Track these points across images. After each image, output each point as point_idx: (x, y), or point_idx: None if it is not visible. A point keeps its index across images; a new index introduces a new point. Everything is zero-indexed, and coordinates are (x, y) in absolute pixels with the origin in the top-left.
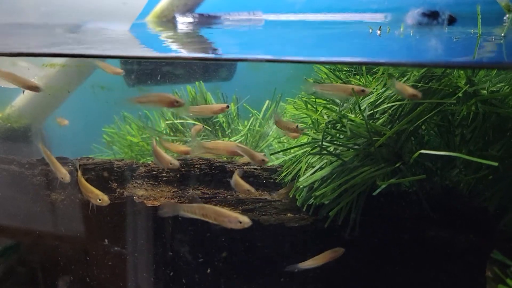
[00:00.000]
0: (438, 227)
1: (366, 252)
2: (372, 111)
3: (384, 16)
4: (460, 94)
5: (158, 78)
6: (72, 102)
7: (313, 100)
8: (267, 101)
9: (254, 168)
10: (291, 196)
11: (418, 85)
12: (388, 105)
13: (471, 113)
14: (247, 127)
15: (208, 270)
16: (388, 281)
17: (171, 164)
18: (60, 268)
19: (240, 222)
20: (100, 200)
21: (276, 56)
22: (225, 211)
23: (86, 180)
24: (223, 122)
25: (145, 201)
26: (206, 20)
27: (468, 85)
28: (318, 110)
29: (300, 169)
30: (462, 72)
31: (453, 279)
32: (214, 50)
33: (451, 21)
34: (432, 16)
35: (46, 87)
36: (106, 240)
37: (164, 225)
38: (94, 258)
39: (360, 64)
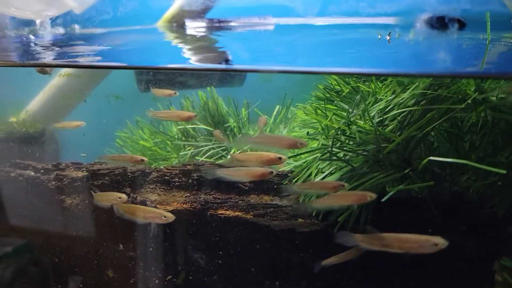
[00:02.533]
0: (447, 233)
1: (375, 257)
2: (381, 118)
3: (394, 20)
4: (469, 101)
5: (170, 84)
6: (84, 107)
7: (323, 106)
8: (278, 106)
9: None
10: (301, 201)
11: (427, 92)
12: (397, 111)
13: (480, 120)
14: (258, 131)
15: (218, 275)
16: (397, 287)
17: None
18: (74, 272)
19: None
20: (165, 217)
21: (286, 67)
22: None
23: (101, 185)
24: (234, 127)
25: (158, 206)
26: (216, 25)
27: (477, 92)
28: (328, 116)
29: (310, 174)
30: (471, 79)
31: (462, 284)
32: (225, 61)
33: (461, 26)
34: (439, 22)
35: (59, 94)
36: (120, 245)
37: (178, 229)
38: (108, 262)
39: (369, 75)
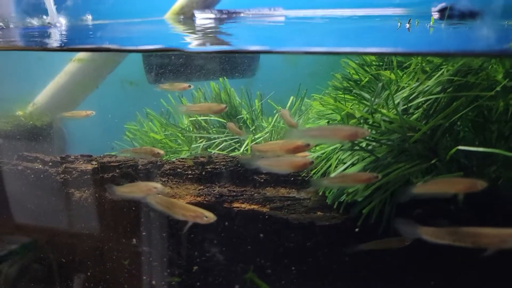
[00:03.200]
0: (475, 226)
1: (401, 252)
2: (405, 106)
3: (408, 11)
4: (498, 89)
5: (180, 75)
6: (93, 99)
7: (341, 95)
8: (292, 97)
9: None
10: (320, 194)
11: (454, 79)
12: (422, 99)
13: (509, 108)
14: (272, 123)
15: (235, 268)
16: (423, 283)
17: None
18: (87, 266)
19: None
20: (206, 217)
21: (303, 48)
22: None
23: (111, 178)
24: (247, 119)
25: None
26: (226, 17)
27: (507, 79)
28: (346, 106)
29: (329, 166)
30: (500, 66)
31: (492, 280)
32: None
33: (474, 16)
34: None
35: (71, 82)
36: (134, 240)
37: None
38: (120, 257)
39: (395, 54)
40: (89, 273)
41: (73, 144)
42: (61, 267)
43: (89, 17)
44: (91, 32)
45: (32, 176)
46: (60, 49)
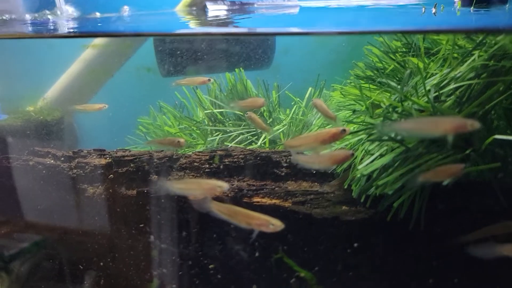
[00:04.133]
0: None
1: (432, 248)
2: (436, 93)
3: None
4: None
5: (194, 67)
6: (105, 92)
7: (365, 85)
8: (310, 88)
9: None
10: (345, 187)
11: (488, 64)
12: (454, 86)
13: None
14: (290, 116)
15: (255, 267)
16: (455, 280)
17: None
18: (101, 262)
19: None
20: (273, 225)
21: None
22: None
23: (125, 173)
24: (264, 111)
25: None
26: (238, 8)
27: None
28: (370, 96)
29: (355, 158)
30: None
31: None
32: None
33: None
34: None
35: (84, 72)
36: (147, 233)
37: (209, 218)
38: (135, 252)
39: (436, 32)
40: (101, 270)
41: (85, 139)
42: (72, 264)
43: (97, 14)
44: (100, 24)
45: (44, 171)
46: (72, 35)
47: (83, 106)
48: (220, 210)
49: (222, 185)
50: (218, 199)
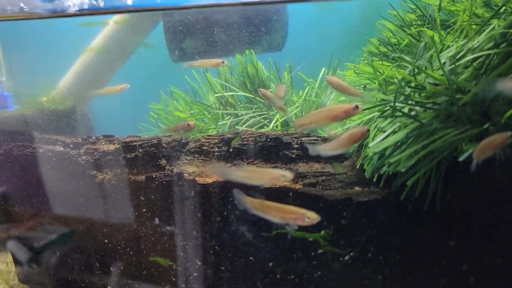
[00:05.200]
0: None
1: (449, 229)
2: (453, 66)
3: None
4: None
5: (204, 50)
6: (116, 80)
7: (378, 61)
8: (323, 69)
9: (315, 139)
10: (358, 167)
11: (508, 32)
12: (471, 56)
13: None
14: (303, 97)
15: (263, 250)
16: (474, 264)
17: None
18: (106, 248)
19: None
20: (309, 218)
21: None
22: None
23: (134, 158)
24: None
25: (196, 178)
26: None
27: None
28: (383, 72)
29: (367, 137)
30: None
31: None
32: None
33: None
34: None
35: (98, 58)
36: (156, 220)
37: (218, 202)
38: (143, 237)
39: None
40: (113, 253)
41: (99, 127)
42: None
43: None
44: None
45: (53, 158)
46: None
47: (104, 89)
48: (253, 205)
49: (286, 175)
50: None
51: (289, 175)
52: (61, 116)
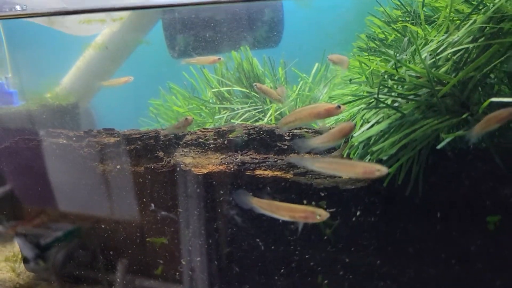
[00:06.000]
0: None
1: (430, 214)
2: (433, 59)
3: None
4: None
5: (203, 47)
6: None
7: (366, 56)
8: (316, 64)
9: (306, 131)
10: (344, 156)
11: (486, 26)
12: (452, 50)
13: None
14: (296, 91)
15: (259, 238)
16: (454, 249)
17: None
18: (106, 237)
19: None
20: (319, 216)
21: None
22: None
23: (133, 150)
24: (271, 87)
25: (192, 169)
26: None
27: None
28: (370, 65)
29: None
30: None
31: None
32: None
33: None
34: None
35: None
36: (152, 205)
37: (213, 192)
38: (143, 226)
39: None
40: (114, 244)
41: (101, 122)
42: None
43: None
44: None
45: (57, 151)
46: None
47: (109, 81)
48: (261, 206)
49: (381, 169)
50: (223, 172)
51: (384, 169)
52: (64, 111)
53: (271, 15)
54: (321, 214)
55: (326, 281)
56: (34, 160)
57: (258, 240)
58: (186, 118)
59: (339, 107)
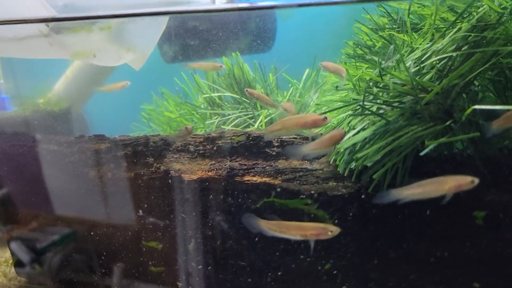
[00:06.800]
0: (496, 192)
1: (415, 219)
2: (418, 67)
3: None
4: None
5: (196, 52)
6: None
7: (355, 63)
8: (307, 70)
9: (294, 137)
10: (331, 162)
11: (469, 35)
12: (436, 58)
13: None
14: (287, 97)
15: (247, 242)
16: (438, 251)
17: None
18: (95, 243)
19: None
20: (331, 231)
21: None
22: None
23: (124, 156)
24: (262, 93)
25: (182, 175)
26: None
27: None
28: (357, 72)
29: None
30: None
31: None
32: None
33: None
34: None
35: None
36: (140, 211)
37: (203, 197)
38: (131, 232)
39: None
40: (103, 249)
41: (95, 128)
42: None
43: None
44: None
45: (48, 157)
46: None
47: (106, 87)
48: (270, 228)
49: (474, 180)
50: (212, 178)
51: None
52: (56, 117)
53: (264, 20)
54: (332, 230)
55: None
56: (24, 165)
57: (246, 243)
58: (186, 127)
59: (326, 118)
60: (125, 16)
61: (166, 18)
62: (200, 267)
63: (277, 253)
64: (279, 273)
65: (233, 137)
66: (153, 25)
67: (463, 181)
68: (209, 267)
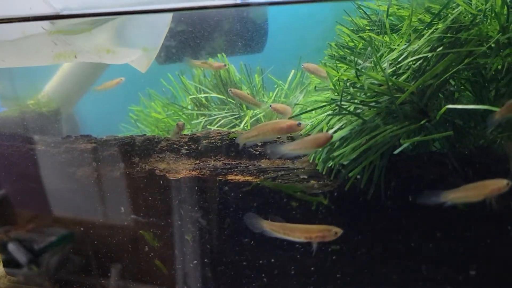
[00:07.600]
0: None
1: (392, 216)
2: (394, 68)
3: None
4: (492, 44)
5: (189, 53)
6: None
7: (335, 64)
8: (293, 71)
9: (277, 137)
10: (310, 160)
11: (444, 36)
12: (412, 58)
13: (505, 65)
14: (272, 98)
15: (235, 241)
16: (414, 249)
17: None
18: (85, 242)
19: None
20: (336, 233)
21: None
22: None
23: (109, 155)
24: (248, 94)
25: (167, 174)
26: None
27: (501, 33)
28: (337, 73)
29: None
30: (494, 20)
31: (486, 243)
32: None
33: None
34: None
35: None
36: (122, 208)
37: (186, 195)
38: (118, 231)
39: None
40: (90, 248)
41: (85, 129)
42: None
43: None
44: None
45: (36, 157)
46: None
47: (102, 85)
48: (273, 229)
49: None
50: (195, 177)
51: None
52: (46, 118)
53: (257, 21)
54: (337, 231)
55: None
56: (13, 165)
57: (230, 244)
58: (177, 124)
59: (299, 124)
60: (125, 14)
61: (169, 19)
62: (183, 265)
63: (264, 252)
64: (263, 275)
65: (223, 136)
66: (158, 26)
67: (501, 184)
68: (192, 265)
